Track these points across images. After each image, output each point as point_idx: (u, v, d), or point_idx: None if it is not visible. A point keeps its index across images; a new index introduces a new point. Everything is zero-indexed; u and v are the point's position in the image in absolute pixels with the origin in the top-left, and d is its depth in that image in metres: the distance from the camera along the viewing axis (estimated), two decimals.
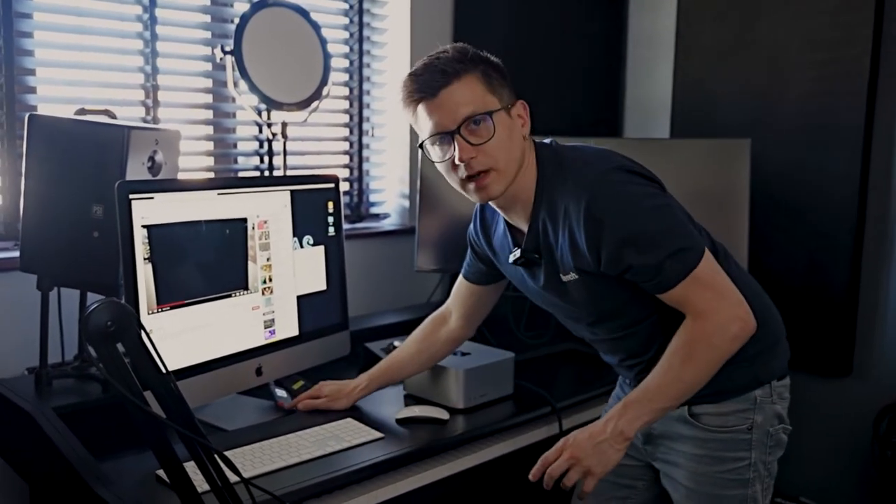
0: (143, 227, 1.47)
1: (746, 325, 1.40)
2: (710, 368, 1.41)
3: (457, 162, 1.41)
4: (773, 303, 1.61)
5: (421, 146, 1.46)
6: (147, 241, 1.48)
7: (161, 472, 1.37)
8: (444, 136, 1.41)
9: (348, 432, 1.59)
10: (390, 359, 1.79)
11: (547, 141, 1.54)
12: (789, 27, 2.69)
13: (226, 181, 1.86)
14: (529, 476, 1.44)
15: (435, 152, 1.45)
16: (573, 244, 1.43)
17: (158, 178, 1.66)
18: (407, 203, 2.69)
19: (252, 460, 1.44)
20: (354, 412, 1.71)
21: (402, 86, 1.45)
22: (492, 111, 1.41)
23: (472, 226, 1.72)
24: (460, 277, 1.78)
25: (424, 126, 1.44)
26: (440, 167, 1.47)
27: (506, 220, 1.57)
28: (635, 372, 1.58)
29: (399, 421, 1.67)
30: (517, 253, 1.53)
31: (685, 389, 1.42)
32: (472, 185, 1.44)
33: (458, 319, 1.78)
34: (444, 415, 1.70)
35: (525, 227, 1.51)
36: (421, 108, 1.42)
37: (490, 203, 1.53)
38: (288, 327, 1.79)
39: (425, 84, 1.41)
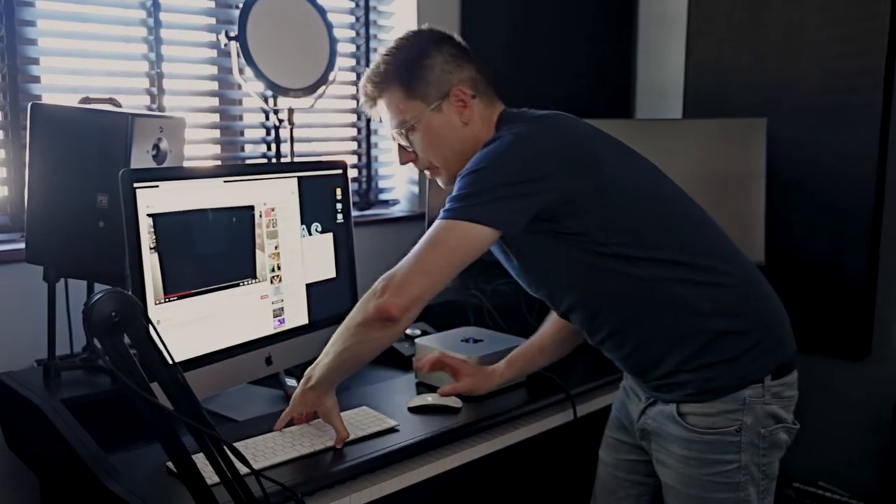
0: (149, 215, 1.45)
1: (386, 312, 1.35)
2: (345, 333, 1.42)
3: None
4: (772, 295, 1.52)
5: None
6: (153, 230, 1.46)
7: (171, 464, 1.36)
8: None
9: (363, 421, 1.56)
10: (530, 343, 1.75)
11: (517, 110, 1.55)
12: (804, 4, 2.64)
13: (232, 168, 1.84)
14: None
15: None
16: None
17: (163, 166, 1.64)
18: (416, 189, 2.66)
19: (263, 451, 1.42)
20: (369, 400, 1.69)
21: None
22: (416, 119, 1.49)
23: None
24: None
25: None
26: None
27: None
28: (626, 367, 1.56)
29: (411, 409, 1.65)
30: None
31: (353, 360, 1.45)
32: (429, 176, 1.58)
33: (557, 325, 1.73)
34: (457, 403, 1.67)
35: None
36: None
37: None
38: (297, 316, 1.77)
39: (367, 94, 1.54)
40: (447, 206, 1.39)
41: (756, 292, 1.49)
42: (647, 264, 1.41)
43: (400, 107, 1.50)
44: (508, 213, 1.37)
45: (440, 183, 1.57)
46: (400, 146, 1.55)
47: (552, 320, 1.72)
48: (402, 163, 1.56)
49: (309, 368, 1.49)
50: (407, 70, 1.48)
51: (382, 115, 1.54)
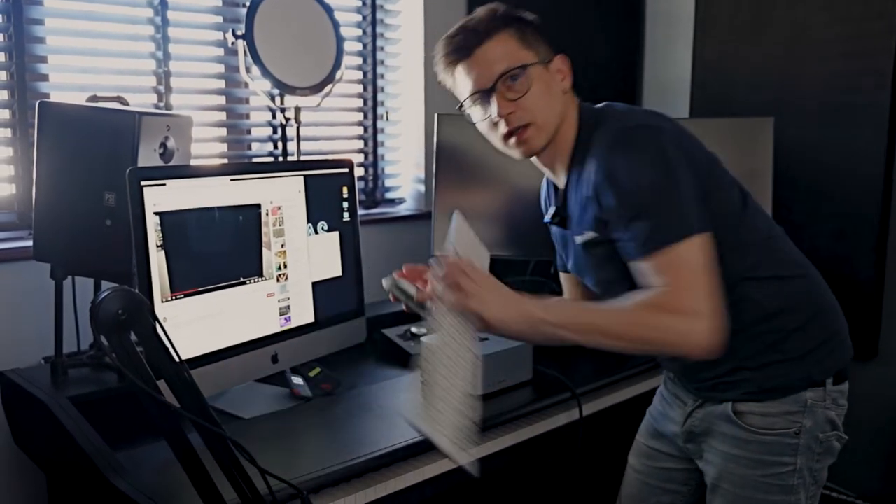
0: (156, 213, 1.46)
1: (704, 334, 1.25)
2: (637, 341, 1.27)
3: (495, 118, 1.42)
4: (834, 298, 1.49)
5: (460, 108, 1.47)
6: (160, 228, 1.46)
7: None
8: (482, 94, 1.42)
9: None
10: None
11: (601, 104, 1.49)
12: (810, 3, 2.63)
13: (239, 167, 1.84)
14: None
15: (475, 112, 1.46)
16: (586, 203, 1.40)
17: (170, 164, 1.64)
18: (422, 188, 2.66)
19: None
20: (375, 398, 1.69)
21: (438, 49, 1.46)
22: (527, 65, 1.40)
23: (542, 203, 1.65)
24: (560, 273, 1.71)
25: (463, 87, 1.45)
26: (481, 127, 1.47)
27: (550, 180, 1.55)
28: (681, 367, 1.53)
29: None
30: (552, 211, 1.51)
31: (601, 335, 1.27)
32: (512, 140, 1.44)
33: None
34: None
35: (562, 185, 1.49)
36: (458, 69, 1.44)
37: (534, 161, 1.50)
38: (303, 314, 1.77)
39: (459, 45, 1.42)
40: (663, 228, 1.28)
41: (821, 293, 1.48)
42: (731, 260, 1.37)
43: (513, 51, 1.41)
44: (702, 212, 1.32)
45: (529, 147, 1.44)
46: (500, 96, 1.40)
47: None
48: (501, 114, 1.40)
49: (550, 303, 1.30)
50: (520, 22, 1.44)
51: (483, 58, 1.40)
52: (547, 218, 1.54)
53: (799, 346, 1.41)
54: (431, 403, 1.21)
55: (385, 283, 1.44)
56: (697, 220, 1.30)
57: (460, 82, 1.45)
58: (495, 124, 1.43)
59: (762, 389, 1.42)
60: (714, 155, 1.46)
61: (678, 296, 1.26)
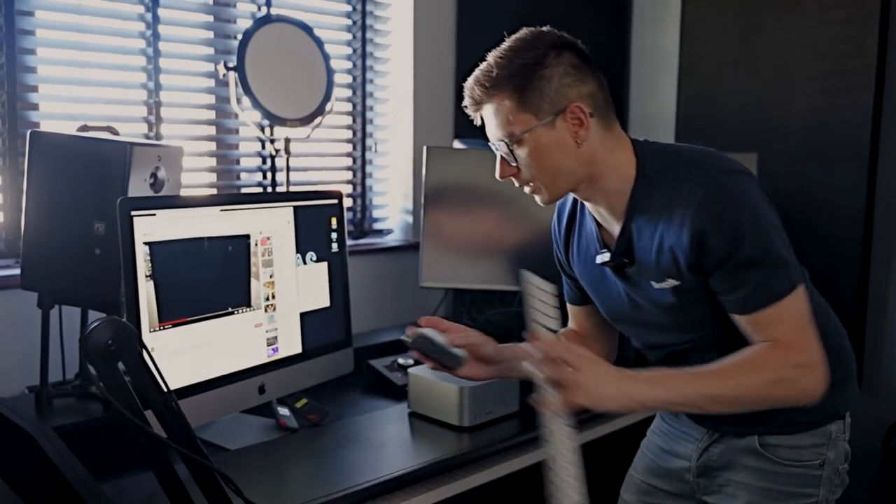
0: (145, 243, 1.46)
1: (819, 383, 1.27)
2: (755, 402, 1.29)
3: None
4: (845, 332, 1.51)
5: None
6: (149, 258, 1.46)
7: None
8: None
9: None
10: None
11: (641, 139, 1.44)
12: (794, 40, 2.68)
13: (228, 197, 1.85)
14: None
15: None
16: (670, 249, 1.33)
17: (161, 194, 1.65)
18: (410, 219, 2.67)
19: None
20: (361, 430, 1.68)
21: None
22: (525, 133, 1.32)
23: (554, 223, 1.60)
24: (568, 304, 1.65)
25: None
26: None
27: (594, 218, 1.47)
28: None
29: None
30: (606, 255, 1.42)
31: (716, 403, 1.28)
32: (527, 190, 1.41)
33: (593, 342, 1.61)
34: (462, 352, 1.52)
35: (617, 229, 1.41)
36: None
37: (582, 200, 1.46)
38: (291, 344, 1.77)
39: (470, 98, 1.37)
40: (777, 281, 1.29)
41: (839, 329, 1.49)
42: None
43: (509, 117, 1.32)
44: (795, 259, 1.33)
45: (539, 201, 1.41)
46: (502, 158, 1.37)
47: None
48: (502, 177, 1.38)
49: (651, 382, 1.27)
50: (522, 78, 1.31)
51: (487, 121, 1.37)
52: (599, 260, 1.44)
53: (830, 377, 1.40)
54: None
55: (407, 336, 1.42)
56: (795, 270, 1.31)
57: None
58: None
59: (792, 422, 1.42)
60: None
61: (795, 351, 1.27)
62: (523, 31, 1.37)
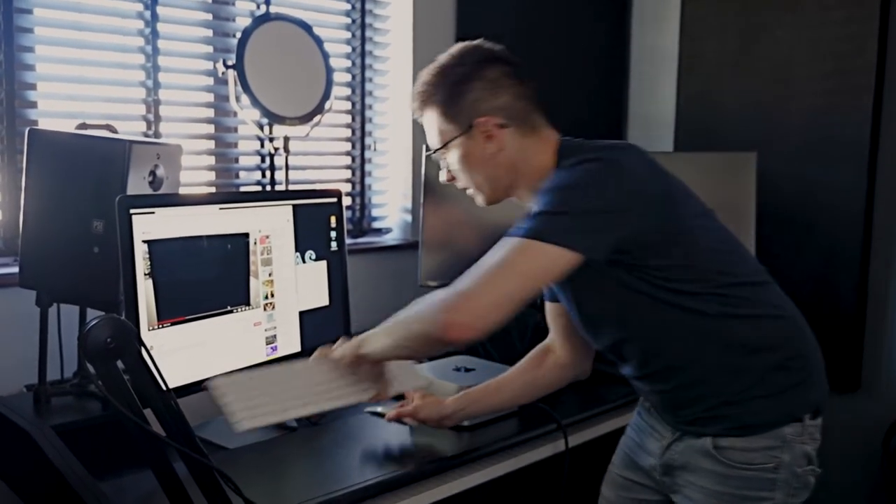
0: (144, 242, 1.46)
1: (451, 337, 1.27)
2: (409, 335, 1.37)
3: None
4: (811, 334, 1.51)
5: None
6: (148, 256, 1.46)
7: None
8: None
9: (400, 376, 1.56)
10: (489, 382, 1.69)
11: (569, 138, 1.52)
12: (794, 40, 2.68)
13: (228, 196, 1.85)
14: None
15: None
16: None
17: (160, 192, 1.65)
18: (409, 217, 2.67)
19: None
20: (359, 424, 1.68)
21: None
22: (447, 142, 1.48)
23: None
24: (546, 303, 1.70)
25: None
26: None
27: None
28: (662, 402, 1.53)
29: (370, 413, 1.64)
30: None
31: (401, 341, 1.39)
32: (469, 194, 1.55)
33: (562, 345, 1.68)
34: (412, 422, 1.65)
35: None
36: None
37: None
38: (290, 343, 1.77)
39: (413, 108, 1.54)
40: (527, 223, 1.32)
41: (801, 329, 1.50)
42: (711, 300, 1.40)
43: (438, 127, 1.48)
44: (597, 239, 1.32)
45: (478, 203, 1.55)
46: (444, 162, 1.53)
47: (525, 364, 1.70)
48: (446, 181, 1.54)
49: (363, 335, 1.44)
50: (445, 93, 1.46)
51: (425, 127, 1.53)
52: None
53: (780, 382, 1.42)
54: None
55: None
56: (559, 233, 1.29)
57: None
58: None
59: (744, 425, 1.43)
60: (694, 203, 1.48)
61: (452, 289, 1.30)
62: (455, 47, 1.50)
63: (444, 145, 1.48)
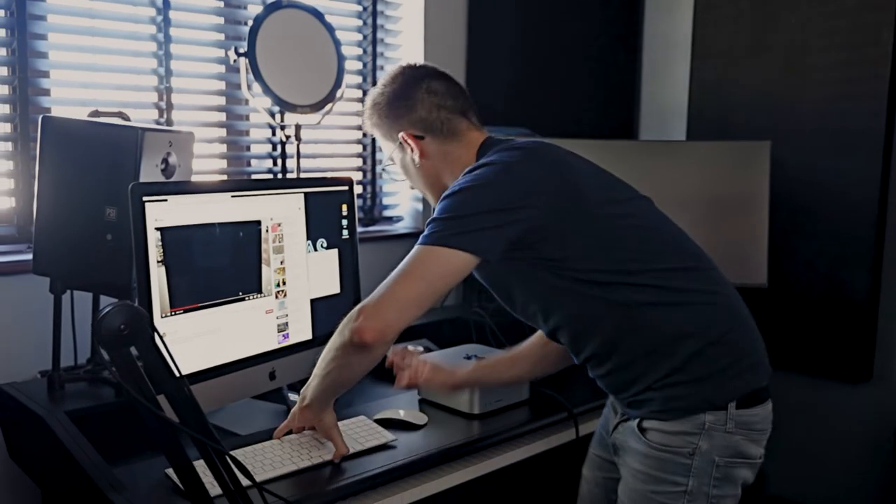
0: (157, 229, 1.46)
1: (360, 338, 1.34)
2: (327, 356, 1.43)
3: None
4: (747, 321, 1.50)
5: None
6: (160, 243, 1.47)
7: (170, 472, 1.36)
8: None
9: (361, 434, 1.57)
10: (505, 353, 1.77)
11: (492, 137, 1.61)
12: (808, 28, 2.66)
13: (239, 183, 1.85)
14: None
15: None
16: None
17: (172, 180, 1.65)
18: (420, 206, 2.67)
19: (262, 464, 1.43)
20: (370, 415, 1.69)
21: None
22: (390, 154, 1.64)
23: None
24: None
25: None
26: None
27: None
28: (604, 385, 1.56)
29: (377, 421, 1.65)
30: None
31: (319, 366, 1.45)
32: None
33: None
34: (422, 420, 1.68)
35: None
36: None
37: None
38: (302, 331, 1.77)
39: None
40: (426, 230, 1.41)
41: (730, 316, 1.49)
42: (624, 289, 1.43)
43: (382, 142, 1.66)
44: (488, 239, 1.38)
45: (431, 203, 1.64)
46: None
47: (536, 339, 1.73)
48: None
49: (304, 388, 1.51)
50: (378, 116, 1.63)
51: None
52: None
53: (700, 368, 1.43)
54: None
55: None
56: (467, 239, 1.37)
57: None
58: None
59: (665, 409, 1.45)
60: (608, 191, 1.51)
61: (363, 303, 1.37)
62: (391, 69, 1.65)
63: (389, 156, 1.64)
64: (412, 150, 1.59)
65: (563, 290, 1.45)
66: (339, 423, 1.53)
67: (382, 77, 1.65)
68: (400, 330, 1.37)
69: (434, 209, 1.45)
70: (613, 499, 1.62)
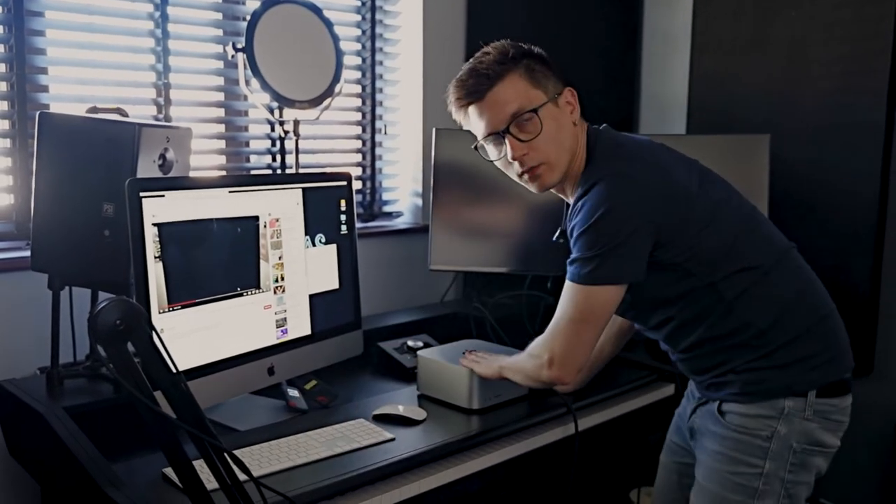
0: (154, 225, 1.46)
1: (552, 371, 1.48)
2: (521, 371, 1.60)
3: (510, 160, 1.50)
4: (833, 313, 1.55)
5: (476, 148, 1.55)
6: (158, 239, 1.46)
7: (167, 471, 1.36)
8: (496, 135, 1.50)
9: (359, 433, 1.57)
10: None
11: (601, 127, 1.58)
12: (808, 21, 2.65)
13: (237, 179, 1.85)
14: None
15: (490, 151, 1.53)
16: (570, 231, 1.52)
17: (169, 176, 1.65)
18: (420, 201, 2.67)
19: (261, 460, 1.43)
20: (371, 411, 1.69)
21: (451, 92, 1.53)
22: (537, 107, 1.47)
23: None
24: None
25: (477, 127, 1.52)
26: (497, 164, 1.55)
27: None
28: (684, 367, 1.62)
29: (375, 417, 1.66)
30: (558, 232, 1.64)
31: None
32: (526, 177, 1.53)
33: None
34: (421, 415, 1.68)
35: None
36: (471, 110, 1.51)
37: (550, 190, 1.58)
38: (300, 326, 1.77)
39: (472, 89, 1.49)
40: (577, 269, 1.44)
41: (818, 307, 1.54)
42: (734, 282, 1.47)
43: (523, 93, 1.47)
44: (633, 264, 1.44)
45: (542, 183, 1.53)
46: (513, 138, 1.48)
47: None
48: (514, 157, 1.49)
49: (502, 365, 1.65)
50: (533, 59, 1.50)
51: (499, 96, 1.47)
52: (555, 237, 1.66)
53: (786, 356, 1.46)
54: None
55: None
56: (615, 271, 1.43)
57: (474, 123, 1.52)
58: (510, 163, 1.50)
59: (743, 392, 1.49)
60: (712, 190, 1.53)
61: (540, 341, 1.52)
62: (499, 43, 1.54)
63: (537, 108, 1.47)
64: (572, 108, 1.52)
65: (681, 289, 1.49)
66: (339, 426, 1.57)
67: (498, 44, 1.52)
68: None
69: (574, 244, 1.47)
70: (687, 483, 1.65)
